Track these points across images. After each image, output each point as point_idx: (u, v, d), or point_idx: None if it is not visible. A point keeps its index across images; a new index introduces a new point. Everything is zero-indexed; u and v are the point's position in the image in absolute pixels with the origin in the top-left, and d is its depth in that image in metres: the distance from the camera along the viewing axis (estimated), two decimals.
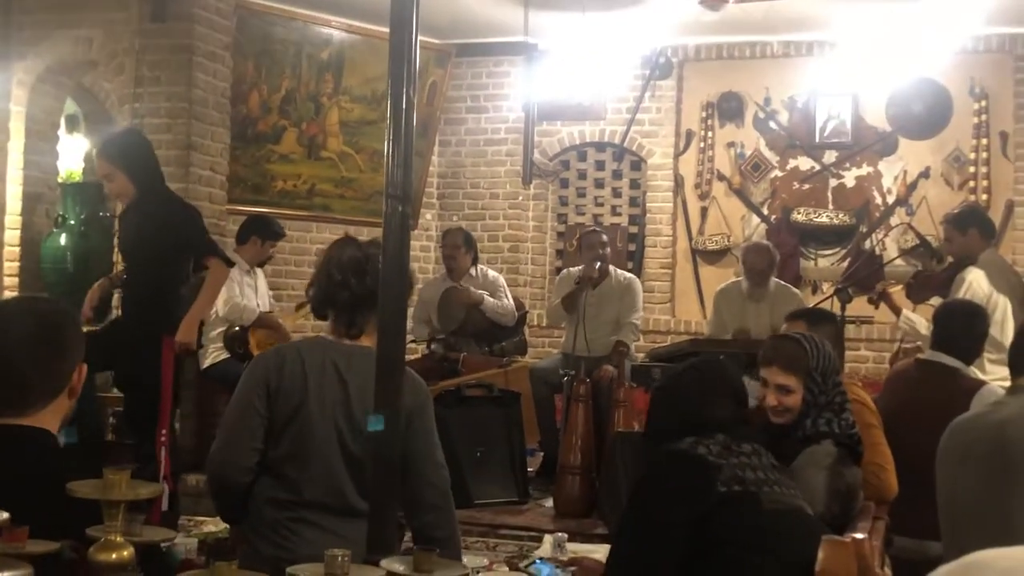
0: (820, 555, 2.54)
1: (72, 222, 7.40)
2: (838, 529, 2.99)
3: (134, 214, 5.37)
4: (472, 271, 7.51)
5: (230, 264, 5.73)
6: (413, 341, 7.34)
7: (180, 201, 5.68)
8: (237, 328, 6.62)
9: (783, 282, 7.51)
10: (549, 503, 6.22)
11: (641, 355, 7.60)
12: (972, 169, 8.66)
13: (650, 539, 2.77)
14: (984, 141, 8.62)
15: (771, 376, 3.40)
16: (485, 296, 7.37)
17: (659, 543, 2.75)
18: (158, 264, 5.28)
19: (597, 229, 7.88)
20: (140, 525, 1.86)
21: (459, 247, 7.48)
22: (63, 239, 7.33)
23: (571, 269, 7.51)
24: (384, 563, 1.81)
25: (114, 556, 1.75)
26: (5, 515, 1.74)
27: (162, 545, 2.08)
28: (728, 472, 2.77)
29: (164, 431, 5.17)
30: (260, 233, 6.89)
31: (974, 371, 5.00)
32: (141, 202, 5.32)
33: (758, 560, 2.68)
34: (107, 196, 7.55)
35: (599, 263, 7.05)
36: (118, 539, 1.76)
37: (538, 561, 4.58)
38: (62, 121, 7.68)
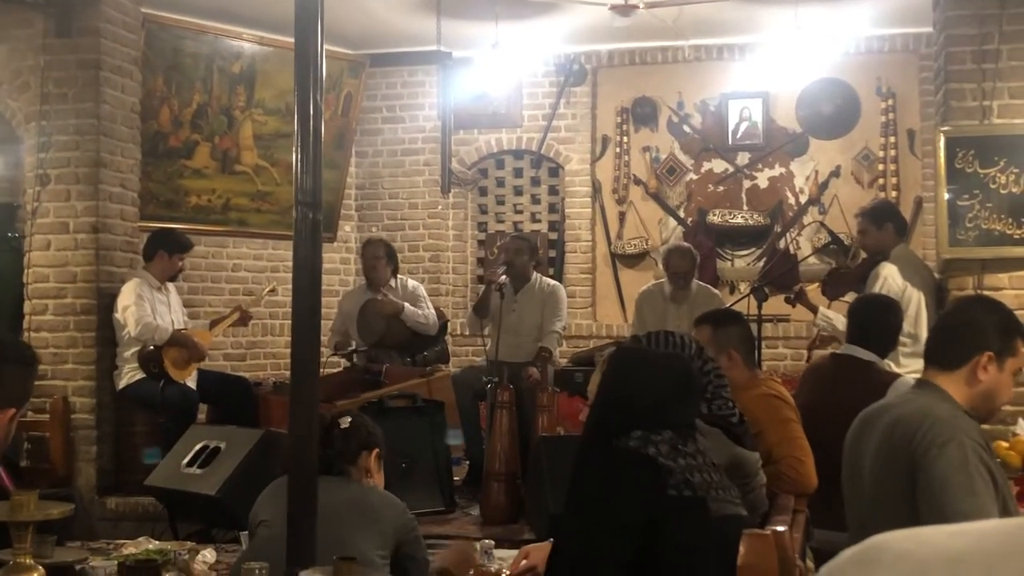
0: (742, 548, 2.56)
1: None
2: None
3: None
4: (392, 282, 7.48)
5: None
6: (334, 355, 7.28)
7: None
8: (151, 347, 6.51)
9: (704, 284, 7.59)
10: (476, 511, 6.19)
11: (564, 360, 7.63)
12: (881, 167, 8.82)
13: (600, 541, 2.73)
14: (892, 139, 8.79)
15: None
16: (405, 305, 7.35)
17: (609, 545, 2.72)
18: None
19: (519, 236, 7.92)
20: (52, 546, 1.82)
21: (380, 257, 7.44)
22: None
23: None
24: (303, 574, 1.79)
25: None
26: None
27: (77, 567, 2.03)
28: (679, 476, 2.75)
29: None
30: (166, 247, 6.78)
31: (889, 364, 5.09)
32: None
33: (705, 566, 2.68)
34: (17, 217, 7.40)
35: (504, 267, 7.10)
36: (28, 561, 1.71)
37: None
38: None
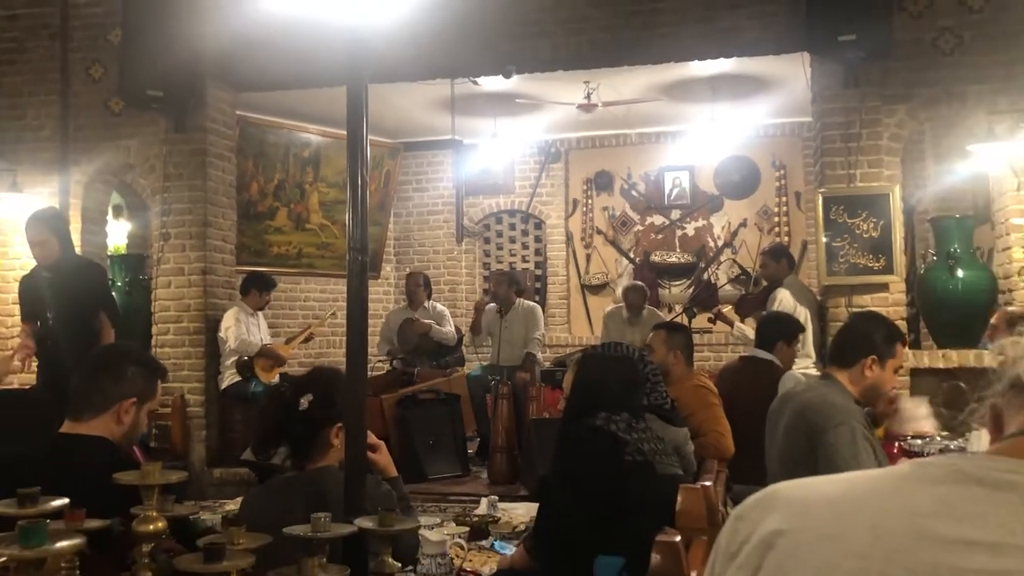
0: (679, 498, 2.54)
1: (119, 284, 7.23)
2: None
3: (56, 275, 5.09)
4: (426, 304, 7.50)
5: (115, 325, 5.24)
6: (379, 360, 7.27)
7: (90, 261, 5.45)
8: (245, 358, 6.49)
9: (654, 309, 7.61)
10: (484, 475, 6.17)
11: (547, 363, 7.61)
12: (777, 219, 8.86)
13: (576, 495, 2.72)
14: (784, 199, 8.84)
15: None
16: (433, 325, 7.36)
17: (583, 498, 2.71)
18: (84, 319, 4.99)
19: (500, 272, 7.96)
20: (172, 503, 1.81)
21: (420, 285, 7.50)
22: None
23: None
24: (357, 521, 1.78)
25: (151, 527, 1.70)
26: (65, 501, 1.68)
27: (190, 517, 2.01)
28: (632, 446, 2.75)
29: None
30: (257, 286, 6.76)
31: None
32: (62, 263, 5.11)
33: (652, 511, 2.66)
34: (146, 264, 7.39)
35: (490, 296, 7.20)
36: (154, 514, 1.70)
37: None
38: (110, 209, 7.49)
